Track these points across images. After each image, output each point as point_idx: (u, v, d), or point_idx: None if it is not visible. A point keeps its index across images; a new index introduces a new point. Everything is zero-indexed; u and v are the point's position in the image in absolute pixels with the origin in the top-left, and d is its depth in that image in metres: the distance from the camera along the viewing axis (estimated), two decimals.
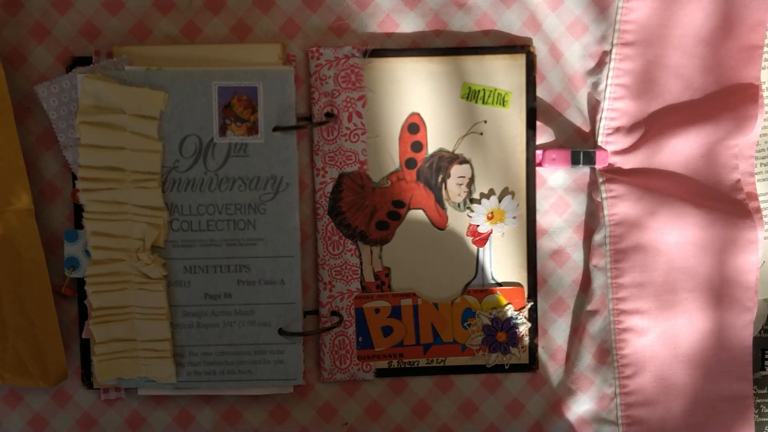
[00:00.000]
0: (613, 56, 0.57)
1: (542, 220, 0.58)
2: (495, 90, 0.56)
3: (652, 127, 0.57)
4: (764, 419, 0.61)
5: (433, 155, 0.57)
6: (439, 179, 0.57)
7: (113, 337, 0.55)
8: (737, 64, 0.57)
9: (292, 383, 0.56)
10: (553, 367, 0.60)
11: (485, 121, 0.57)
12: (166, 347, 0.55)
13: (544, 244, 0.59)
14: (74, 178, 0.55)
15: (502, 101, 0.57)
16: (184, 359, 0.55)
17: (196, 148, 0.54)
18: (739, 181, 0.58)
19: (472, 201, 0.57)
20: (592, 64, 0.57)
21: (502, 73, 0.56)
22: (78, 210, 0.55)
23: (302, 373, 0.56)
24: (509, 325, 0.58)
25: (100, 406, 0.57)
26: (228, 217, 0.55)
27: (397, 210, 0.57)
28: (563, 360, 0.60)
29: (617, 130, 0.57)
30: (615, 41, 0.56)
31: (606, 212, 0.57)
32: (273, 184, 0.55)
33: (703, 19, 0.56)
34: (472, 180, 0.57)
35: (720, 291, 0.57)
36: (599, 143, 0.58)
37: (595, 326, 0.58)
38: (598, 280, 0.58)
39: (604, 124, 0.57)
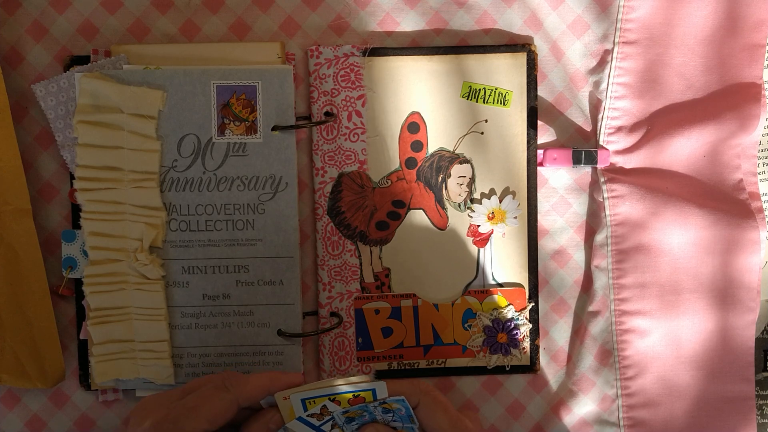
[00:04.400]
0: (614, 55, 0.56)
1: (543, 220, 0.58)
2: (496, 89, 0.56)
3: (654, 126, 0.57)
4: (766, 420, 0.61)
5: (433, 155, 0.57)
6: (440, 179, 0.57)
7: (111, 338, 0.54)
8: (740, 63, 0.57)
9: None
10: (554, 369, 0.59)
11: (486, 121, 0.56)
12: (165, 348, 0.54)
13: (545, 244, 0.58)
14: (72, 177, 0.54)
15: (503, 100, 0.56)
16: (183, 360, 0.55)
17: (195, 148, 0.54)
18: (741, 180, 0.58)
19: (472, 201, 0.57)
20: (593, 62, 0.57)
21: (502, 72, 0.56)
22: (76, 210, 0.55)
23: (302, 375, 0.56)
24: (510, 326, 0.58)
25: (98, 407, 0.57)
26: (227, 217, 0.54)
27: (397, 210, 0.57)
28: (564, 361, 0.59)
29: (619, 129, 0.57)
30: (617, 40, 0.56)
31: (608, 212, 0.57)
32: (272, 184, 0.54)
33: (705, 17, 0.56)
34: (472, 180, 0.57)
35: (722, 292, 0.57)
36: (601, 143, 0.57)
37: (596, 327, 0.58)
38: (600, 281, 0.58)
39: (606, 124, 0.57)
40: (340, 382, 0.48)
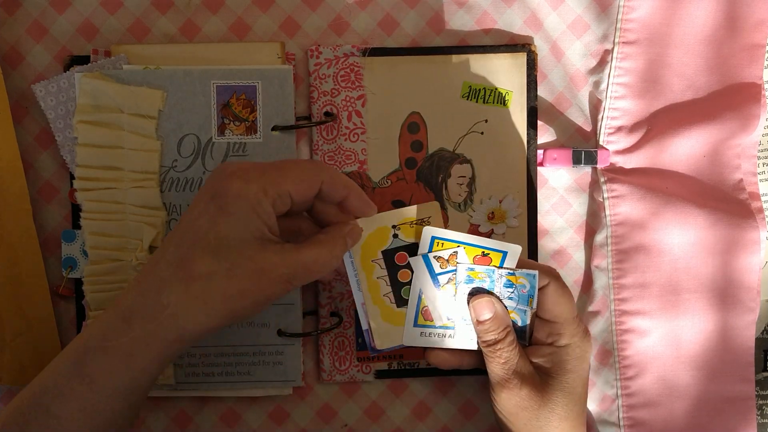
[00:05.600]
0: (614, 55, 0.56)
1: (543, 220, 0.58)
2: (496, 89, 0.56)
3: (654, 126, 0.57)
4: (766, 420, 0.61)
5: (433, 155, 0.57)
6: (440, 179, 0.57)
7: None
8: (740, 63, 0.57)
9: (291, 384, 0.56)
10: None
11: (486, 121, 0.56)
12: None
13: (545, 244, 0.58)
14: (72, 177, 0.54)
15: (503, 100, 0.56)
16: (183, 360, 0.55)
17: (195, 148, 0.54)
18: (741, 180, 0.58)
19: (472, 201, 0.57)
20: (593, 62, 0.57)
21: (503, 72, 0.56)
22: (76, 210, 0.55)
23: (301, 375, 0.56)
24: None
25: None
26: None
27: None
28: None
29: (619, 129, 0.57)
30: (617, 40, 0.56)
31: (608, 212, 0.57)
32: None
33: (705, 17, 0.56)
34: (472, 180, 0.57)
35: (722, 292, 0.57)
36: (601, 143, 0.57)
37: (596, 327, 0.58)
38: (600, 281, 0.58)
39: (606, 124, 0.57)
40: (473, 237, 0.49)
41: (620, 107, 0.57)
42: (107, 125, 0.53)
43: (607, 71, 0.57)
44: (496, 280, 0.50)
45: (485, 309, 0.50)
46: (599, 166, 0.57)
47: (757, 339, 0.59)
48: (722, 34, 0.56)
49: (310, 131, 0.56)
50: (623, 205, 0.57)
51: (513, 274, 0.49)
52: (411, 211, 0.51)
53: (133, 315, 0.43)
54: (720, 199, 0.57)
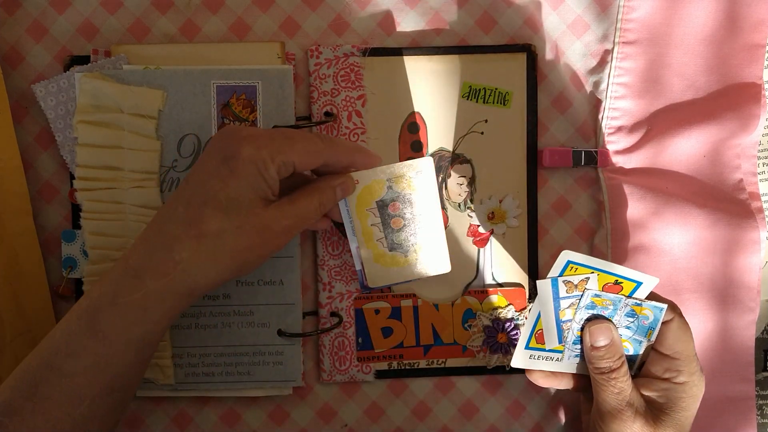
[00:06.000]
0: (614, 55, 0.56)
1: (543, 220, 0.58)
2: (496, 89, 0.56)
3: (654, 126, 0.57)
4: (766, 420, 0.61)
5: (433, 155, 0.57)
6: (440, 179, 0.57)
7: None
8: (740, 63, 0.57)
9: (291, 385, 0.56)
10: None
11: (486, 121, 0.56)
12: (165, 348, 0.54)
13: (545, 244, 0.58)
14: (72, 177, 0.54)
15: (503, 100, 0.56)
16: (183, 360, 0.55)
17: (195, 148, 0.54)
18: (741, 180, 0.58)
19: (472, 201, 0.57)
20: (593, 62, 0.57)
21: (503, 72, 0.56)
22: (76, 210, 0.55)
23: (301, 375, 0.56)
24: (510, 327, 0.58)
25: None
26: None
27: None
28: None
29: (619, 129, 0.57)
30: (617, 40, 0.56)
31: (608, 213, 0.57)
32: None
33: (705, 17, 0.56)
34: (472, 180, 0.57)
35: (723, 292, 0.57)
36: (601, 143, 0.57)
37: None
38: None
39: (606, 124, 0.57)
40: (610, 264, 0.49)
41: (620, 107, 0.57)
42: (107, 125, 0.53)
43: (607, 71, 0.57)
44: (620, 308, 0.49)
45: (602, 335, 0.50)
46: (599, 166, 0.57)
47: (757, 339, 0.59)
48: (722, 34, 0.56)
49: (310, 131, 0.56)
50: (623, 205, 0.57)
51: (639, 305, 0.49)
52: (405, 166, 0.52)
53: (144, 272, 0.45)
54: (720, 199, 0.57)
